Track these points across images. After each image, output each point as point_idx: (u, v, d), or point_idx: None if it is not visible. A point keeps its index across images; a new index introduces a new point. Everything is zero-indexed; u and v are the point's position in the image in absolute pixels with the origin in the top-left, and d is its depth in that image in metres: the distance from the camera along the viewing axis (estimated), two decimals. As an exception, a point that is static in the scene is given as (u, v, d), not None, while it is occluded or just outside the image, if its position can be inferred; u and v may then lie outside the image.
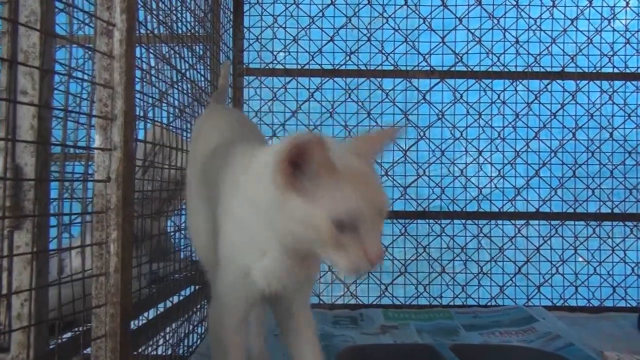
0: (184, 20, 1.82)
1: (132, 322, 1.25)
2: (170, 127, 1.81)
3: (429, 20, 2.48)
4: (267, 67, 2.44)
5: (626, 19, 2.54)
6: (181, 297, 1.71)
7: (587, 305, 2.44)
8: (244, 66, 2.40)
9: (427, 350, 1.34)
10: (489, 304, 2.42)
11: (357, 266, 0.87)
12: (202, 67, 2.10)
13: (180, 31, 1.78)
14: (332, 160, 0.86)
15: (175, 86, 1.83)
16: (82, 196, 1.25)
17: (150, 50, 1.45)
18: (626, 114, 2.51)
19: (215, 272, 1.08)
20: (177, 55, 1.80)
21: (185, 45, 1.86)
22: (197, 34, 2.02)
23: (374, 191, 0.89)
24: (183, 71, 1.89)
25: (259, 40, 2.44)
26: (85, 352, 1.04)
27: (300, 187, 0.87)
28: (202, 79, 2.02)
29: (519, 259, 2.48)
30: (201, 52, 2.06)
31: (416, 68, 2.48)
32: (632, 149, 2.51)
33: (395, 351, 1.38)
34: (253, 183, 0.97)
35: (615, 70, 2.50)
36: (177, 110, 1.83)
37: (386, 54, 2.47)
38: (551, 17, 2.50)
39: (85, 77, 1.38)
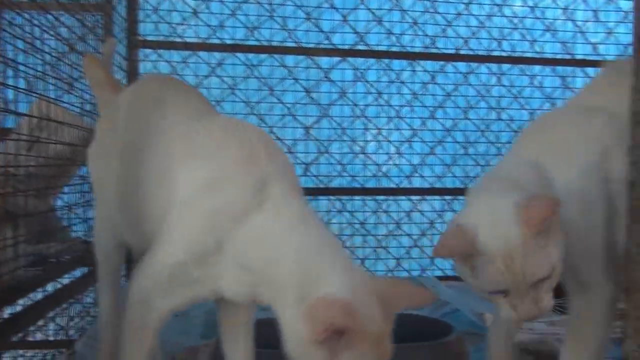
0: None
1: (8, 306, 1.19)
2: (59, 102, 1.72)
3: (331, -2, 2.50)
4: (165, 40, 2.36)
5: (515, 6, 2.69)
6: (69, 280, 1.64)
7: (476, 274, 2.61)
8: (140, 38, 2.30)
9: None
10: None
11: None
12: (93, 39, 2.00)
13: (65, -1, 1.67)
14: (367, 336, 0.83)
15: (63, 59, 1.73)
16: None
17: (26, 17, 1.35)
18: (513, 96, 2.68)
19: (154, 251, 0.98)
20: (63, 26, 1.70)
21: (73, 15, 1.76)
22: (86, 2, 1.91)
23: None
24: (71, 42, 1.79)
25: (157, 12, 2.35)
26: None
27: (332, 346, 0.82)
28: (93, 51, 1.92)
29: (415, 233, 2.60)
30: (91, 23, 1.96)
31: (318, 46, 2.49)
32: (518, 129, 2.68)
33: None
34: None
35: (504, 54, 2.66)
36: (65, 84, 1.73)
37: (288, 31, 2.47)
38: (447, 1, 2.60)
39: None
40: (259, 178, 0.93)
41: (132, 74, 2.26)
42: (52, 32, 1.61)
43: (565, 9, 2.72)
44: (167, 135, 1.06)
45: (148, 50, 2.36)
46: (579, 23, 2.74)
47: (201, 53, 2.39)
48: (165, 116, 1.11)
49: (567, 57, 2.71)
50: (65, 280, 1.63)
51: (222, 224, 0.92)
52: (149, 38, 2.35)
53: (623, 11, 2.74)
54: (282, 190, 0.93)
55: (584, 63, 2.68)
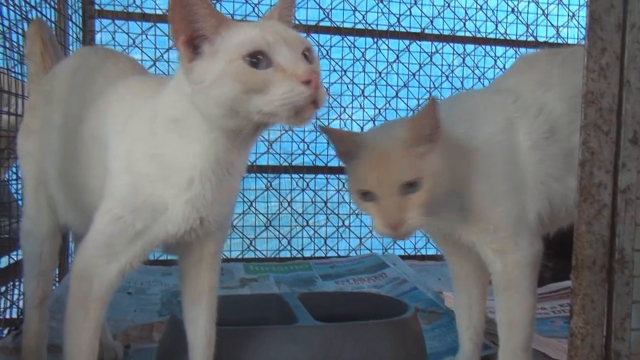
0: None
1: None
2: (11, 72, 1.65)
3: (295, -27, 2.44)
4: (124, 10, 2.28)
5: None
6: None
7: (436, 254, 2.64)
8: (96, 8, 2.21)
9: (276, 300, 1.37)
10: (349, 255, 2.53)
11: (292, 92, 0.79)
12: (46, 7, 1.91)
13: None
14: (220, 14, 0.84)
15: (14, 29, 1.66)
16: None
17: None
18: (477, 77, 2.69)
19: (93, 220, 0.95)
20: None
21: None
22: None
23: (276, 27, 0.85)
24: (25, 10, 1.71)
25: (114, -19, 2.27)
26: None
27: (201, 53, 0.84)
28: (46, 20, 1.84)
29: (378, 212, 2.60)
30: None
31: (282, 21, 2.44)
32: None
33: (244, 302, 1.40)
34: (171, 100, 0.90)
35: (468, 35, 2.66)
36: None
37: (252, 5, 2.41)
38: (413, -21, 2.58)
39: None
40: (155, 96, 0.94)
41: (89, 44, 2.18)
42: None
43: (529, -9, 2.73)
44: (98, 100, 1.04)
45: (106, 22, 2.27)
46: (543, 6, 2.76)
47: (162, 25, 2.32)
48: (97, 83, 1.09)
49: (531, 39, 2.73)
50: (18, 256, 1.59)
51: (138, 163, 0.92)
52: (107, 8, 2.27)
53: (586, -5, 2.77)
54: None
55: (546, 45, 2.70)
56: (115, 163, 0.94)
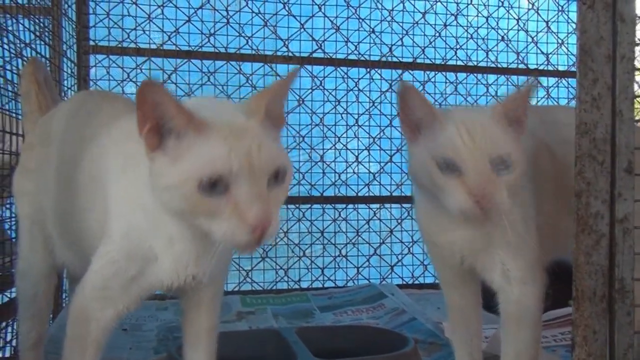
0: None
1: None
2: (4, 110, 1.65)
3: (288, 5, 2.48)
4: (118, 45, 2.30)
5: (469, 16, 2.73)
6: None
7: (435, 282, 2.62)
8: (91, 43, 2.23)
9: (274, 335, 1.35)
10: (346, 285, 2.50)
11: (233, 235, 0.76)
12: (40, 44, 1.93)
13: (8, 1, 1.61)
14: (192, 111, 0.78)
15: (8, 66, 1.66)
16: None
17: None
18: (469, 104, 2.71)
19: (91, 262, 0.95)
20: (8, 31, 1.63)
21: (19, 19, 1.69)
22: (32, 5, 1.84)
23: (249, 145, 0.77)
24: (19, 48, 1.72)
25: (109, 17, 2.29)
26: None
27: (165, 146, 0.79)
28: (40, 57, 1.85)
29: (374, 241, 2.59)
30: (39, 28, 1.89)
31: (276, 54, 2.47)
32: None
33: (241, 338, 1.38)
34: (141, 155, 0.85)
35: (460, 63, 2.69)
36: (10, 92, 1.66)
37: (246, 38, 2.44)
38: (404, 10, 2.62)
39: None
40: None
41: (83, 80, 2.19)
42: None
43: (518, 19, 2.78)
44: (94, 143, 1.04)
45: (101, 57, 2.29)
46: (532, 33, 2.80)
47: (156, 59, 2.34)
48: (91, 125, 1.09)
49: (522, 66, 2.77)
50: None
51: (132, 211, 0.91)
52: (102, 44, 2.28)
53: (574, 22, 2.82)
54: None
55: (537, 72, 2.73)
56: (113, 206, 0.94)
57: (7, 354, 1.60)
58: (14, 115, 1.67)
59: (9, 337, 1.59)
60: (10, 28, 1.68)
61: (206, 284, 0.97)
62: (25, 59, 1.69)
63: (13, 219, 1.73)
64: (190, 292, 1.01)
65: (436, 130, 1.00)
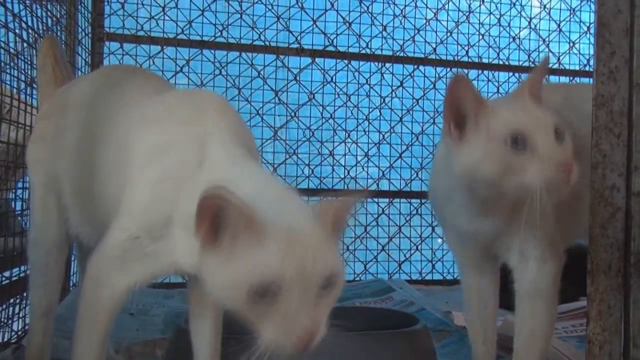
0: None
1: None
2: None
3: (301, 0, 2.50)
4: (132, 34, 2.31)
5: (481, 14, 2.74)
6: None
7: (442, 279, 2.61)
8: (105, 31, 2.25)
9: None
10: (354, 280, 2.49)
11: (279, 343, 0.73)
12: (58, 29, 1.95)
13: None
14: (254, 215, 0.74)
15: (28, 49, 1.68)
16: None
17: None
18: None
19: (108, 232, 0.93)
20: (31, 14, 1.65)
21: (40, 5, 1.71)
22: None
23: (305, 254, 0.73)
24: (38, 32, 1.74)
25: (124, 7, 2.31)
26: None
27: (220, 243, 0.76)
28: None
29: (383, 237, 2.59)
30: (56, 13, 1.91)
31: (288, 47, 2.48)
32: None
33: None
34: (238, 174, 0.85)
35: (471, 61, 2.69)
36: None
37: (258, 31, 2.45)
38: (416, 7, 2.63)
39: None
40: (199, 137, 0.90)
41: (97, 67, 2.20)
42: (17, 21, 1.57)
43: (530, 20, 2.79)
44: (124, 110, 1.04)
45: (114, 45, 2.31)
46: (544, 34, 2.80)
47: (169, 50, 2.35)
48: (124, 93, 1.09)
49: (532, 66, 2.77)
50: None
51: (165, 192, 0.89)
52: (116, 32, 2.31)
53: (585, 24, 2.83)
54: (222, 148, 0.89)
55: (547, 72, 2.73)
56: (141, 186, 0.92)
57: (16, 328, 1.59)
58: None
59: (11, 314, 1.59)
60: (28, 14, 1.69)
61: None
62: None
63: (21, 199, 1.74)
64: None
65: (495, 116, 0.99)
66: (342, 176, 2.56)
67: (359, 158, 2.58)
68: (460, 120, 1.02)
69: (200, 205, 0.74)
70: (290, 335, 0.73)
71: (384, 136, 2.61)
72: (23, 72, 1.63)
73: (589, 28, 2.79)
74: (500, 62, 2.72)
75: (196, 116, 0.93)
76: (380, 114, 2.61)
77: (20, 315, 1.59)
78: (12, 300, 1.54)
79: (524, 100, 1.03)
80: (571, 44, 2.84)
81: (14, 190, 1.85)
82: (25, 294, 1.54)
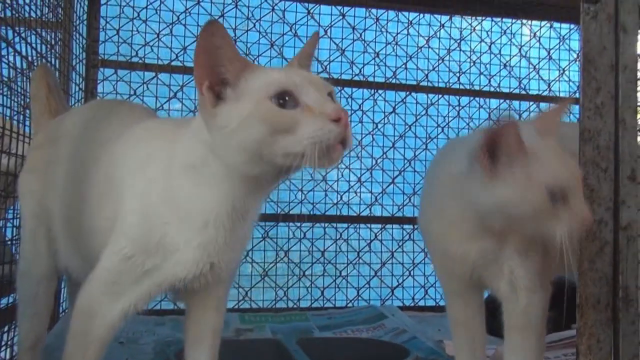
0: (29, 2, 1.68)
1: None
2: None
3: (295, 27, 2.52)
4: (126, 60, 2.33)
5: (472, 42, 2.78)
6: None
7: (435, 305, 2.60)
8: (99, 58, 2.26)
9: (274, 345, 1.34)
10: (347, 306, 2.48)
11: (322, 130, 0.80)
12: (52, 56, 1.96)
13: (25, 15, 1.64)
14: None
15: (20, 76, 1.69)
16: None
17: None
18: (471, 128, 2.73)
19: (100, 259, 0.95)
20: (23, 41, 1.66)
21: (33, 31, 1.72)
22: (46, 20, 1.88)
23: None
24: (31, 59, 1.75)
25: (118, 34, 2.33)
26: None
27: (224, 97, 0.85)
28: (52, 68, 1.87)
29: (375, 263, 2.58)
30: (51, 40, 1.92)
31: (281, 73, 2.50)
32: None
33: (242, 347, 1.36)
34: (188, 147, 0.91)
35: (462, 88, 2.72)
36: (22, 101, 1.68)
37: (252, 58, 2.47)
38: (408, 35, 2.66)
39: None
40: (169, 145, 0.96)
41: (91, 93, 2.22)
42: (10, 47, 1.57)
43: (520, 47, 2.83)
44: (109, 144, 1.05)
45: (109, 71, 2.32)
46: (534, 61, 2.84)
47: (163, 76, 2.37)
48: (111, 125, 1.11)
49: (524, 93, 2.80)
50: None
51: (153, 204, 0.92)
52: (110, 59, 2.32)
53: (574, 52, 2.87)
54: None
55: (538, 98, 2.77)
56: (129, 203, 0.94)
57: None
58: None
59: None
60: (21, 40, 1.70)
61: (222, 277, 0.97)
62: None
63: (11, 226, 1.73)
64: (200, 290, 1.00)
65: (537, 161, 1.01)
66: (335, 201, 2.57)
67: (352, 183, 2.59)
68: (497, 157, 1.03)
69: (197, 55, 0.84)
70: (328, 119, 0.81)
71: (376, 162, 2.62)
72: (15, 100, 1.63)
73: (578, 55, 2.83)
74: (492, 89, 2.75)
75: (173, 132, 0.98)
76: (373, 139, 2.62)
77: (9, 344, 1.57)
78: (1, 328, 1.52)
79: (557, 150, 1.04)
80: (561, 71, 2.88)
81: (4, 219, 1.84)
82: (14, 322, 1.52)
